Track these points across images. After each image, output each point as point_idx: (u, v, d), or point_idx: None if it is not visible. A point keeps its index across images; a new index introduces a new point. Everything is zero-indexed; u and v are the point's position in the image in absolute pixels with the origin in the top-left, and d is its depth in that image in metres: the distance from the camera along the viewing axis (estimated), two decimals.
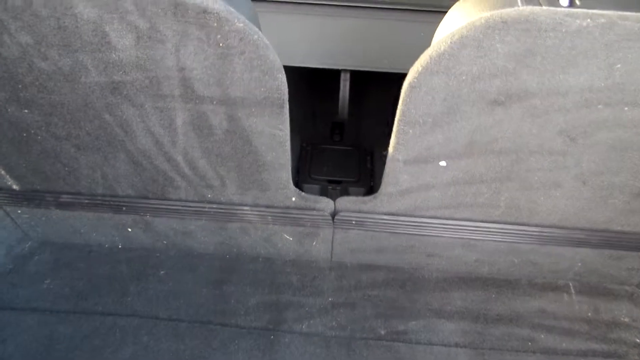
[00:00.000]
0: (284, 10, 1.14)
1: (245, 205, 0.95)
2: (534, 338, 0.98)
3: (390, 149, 0.80)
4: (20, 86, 0.72)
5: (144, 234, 1.05)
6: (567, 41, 0.60)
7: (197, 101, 0.72)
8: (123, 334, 0.94)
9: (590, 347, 0.97)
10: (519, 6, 0.60)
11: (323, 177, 1.46)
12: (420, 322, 0.99)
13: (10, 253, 1.10)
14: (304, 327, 0.97)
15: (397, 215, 0.94)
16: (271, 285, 1.04)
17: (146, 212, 0.98)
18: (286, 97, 0.72)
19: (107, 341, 0.93)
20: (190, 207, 0.96)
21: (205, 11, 0.59)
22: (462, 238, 0.97)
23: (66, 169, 0.90)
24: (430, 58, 0.64)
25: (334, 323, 0.98)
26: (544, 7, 0.58)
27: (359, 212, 0.95)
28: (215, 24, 0.61)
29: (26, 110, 0.77)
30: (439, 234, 0.97)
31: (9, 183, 0.96)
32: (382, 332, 0.97)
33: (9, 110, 0.77)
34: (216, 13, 0.60)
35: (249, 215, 0.96)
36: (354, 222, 0.96)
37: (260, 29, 0.75)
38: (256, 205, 0.95)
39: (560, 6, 0.59)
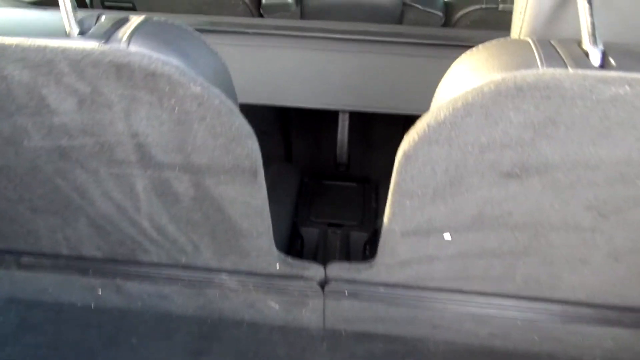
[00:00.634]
0: (276, 43, 1.05)
1: (224, 271, 0.84)
2: None
3: (385, 219, 0.69)
4: None
5: (117, 296, 0.95)
6: (598, 110, 0.48)
7: (157, 168, 0.62)
8: None
9: None
10: (538, 66, 0.48)
11: (323, 219, 1.35)
12: None
13: None
14: None
15: (397, 286, 0.82)
16: (255, 356, 0.93)
17: (115, 275, 0.87)
18: (259, 164, 0.61)
19: None
20: (163, 272, 0.85)
21: (153, 74, 0.49)
22: (472, 312, 0.84)
23: (24, 229, 0.80)
24: (429, 127, 0.53)
25: None
26: (570, 71, 0.46)
27: (353, 281, 0.84)
28: (167, 88, 0.51)
29: None
30: (446, 307, 0.84)
31: None
32: None
33: None
34: (167, 76, 0.50)
35: (227, 282, 0.85)
36: (346, 294, 0.84)
37: (231, 84, 0.65)
38: (236, 272, 0.84)
39: (590, 66, 0.47)
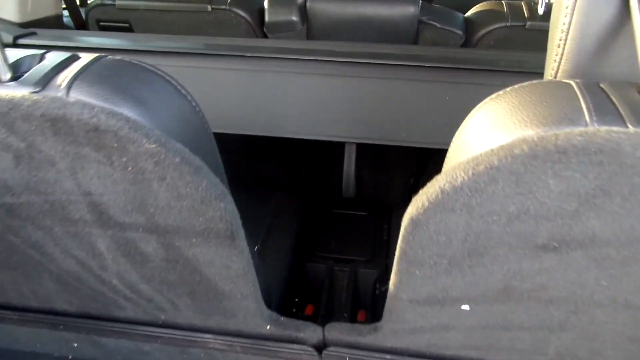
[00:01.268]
0: (277, 67, 0.95)
1: (208, 332, 0.74)
2: None
3: (391, 285, 0.58)
4: None
5: (94, 349, 0.86)
6: None
7: (118, 228, 0.53)
8: None
9: None
10: (585, 121, 0.37)
11: (330, 254, 1.25)
12: None
13: None
14: None
15: (406, 354, 0.70)
16: None
17: (90, 331, 0.78)
18: (236, 226, 0.51)
19: None
20: (141, 329, 0.76)
21: (96, 129, 0.40)
22: None
23: None
24: (443, 192, 0.42)
25: None
26: (631, 130, 0.35)
27: (355, 346, 0.72)
28: (115, 145, 0.41)
29: None
30: None
31: None
32: None
33: None
34: (113, 131, 0.40)
35: (212, 343, 0.75)
36: None
37: (204, 132, 0.55)
38: (222, 332, 0.74)
39: None
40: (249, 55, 0.95)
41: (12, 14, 1.08)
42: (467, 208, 0.42)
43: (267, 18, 1.17)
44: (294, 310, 1.15)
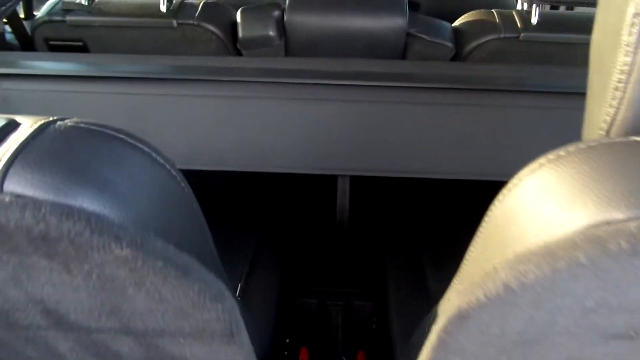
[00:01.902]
0: (256, 92, 0.85)
1: None
2: None
3: None
4: None
5: None
6: None
7: (83, 332, 0.41)
8: None
9: None
10: None
11: (321, 287, 1.15)
12: None
13: None
14: None
15: None
16: None
17: None
18: (237, 323, 0.41)
19: None
20: None
21: (45, 237, 0.29)
22: None
23: None
24: (506, 289, 0.33)
25: None
26: None
27: None
28: (73, 253, 0.30)
29: None
30: None
31: None
32: None
33: None
34: (69, 239, 0.29)
35: None
36: None
37: (194, 212, 0.44)
38: None
39: None
40: (225, 79, 0.84)
41: None
42: (534, 304, 0.34)
43: (240, 33, 1.06)
44: (286, 353, 1.05)
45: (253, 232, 1.11)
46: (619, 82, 0.39)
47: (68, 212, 0.29)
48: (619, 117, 0.40)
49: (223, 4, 1.11)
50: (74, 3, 1.03)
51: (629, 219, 0.29)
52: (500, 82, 0.84)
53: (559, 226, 0.32)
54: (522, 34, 1.02)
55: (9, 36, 1.16)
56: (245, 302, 1.02)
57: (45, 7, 1.09)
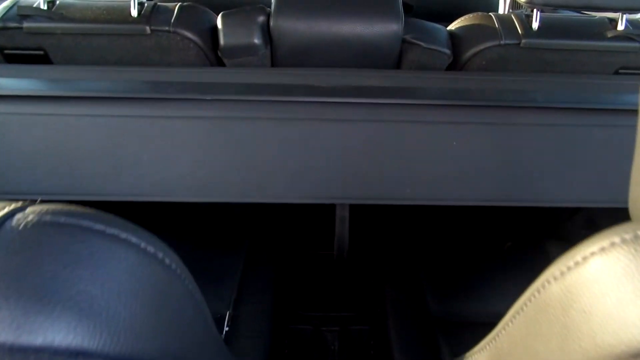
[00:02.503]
0: (243, 111, 0.77)
1: None
2: None
3: None
4: None
5: None
6: None
7: None
8: None
9: None
10: None
11: (314, 312, 1.09)
12: None
13: None
14: None
15: None
16: None
17: None
18: None
19: None
20: None
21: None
22: None
23: None
24: None
25: None
26: None
27: None
28: None
29: None
30: None
31: None
32: None
33: None
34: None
35: None
36: None
37: (199, 314, 0.36)
38: None
39: None
40: (208, 98, 0.76)
41: None
42: None
43: (222, 40, 0.96)
44: None
45: (240, 255, 1.03)
46: None
47: (35, 357, 0.21)
48: None
49: (201, 7, 1.01)
50: (31, 7, 0.92)
51: None
52: (508, 97, 0.79)
53: None
54: (523, 40, 0.96)
55: None
56: (234, 332, 0.94)
57: None
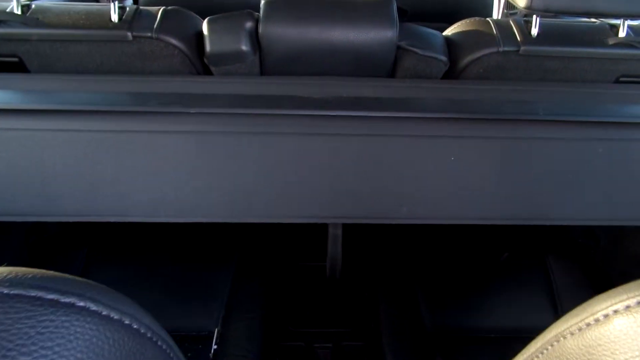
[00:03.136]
0: (231, 125, 0.73)
1: None
2: None
3: None
4: None
5: None
6: None
7: None
8: None
9: None
10: None
11: (306, 328, 1.06)
12: None
13: None
14: None
15: None
16: None
17: None
18: None
19: None
20: None
21: None
22: None
23: None
24: None
25: None
26: None
27: None
28: None
29: None
30: None
31: None
32: None
33: None
34: None
35: None
36: None
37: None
38: None
39: None
40: (193, 111, 0.71)
41: None
42: None
43: (208, 47, 0.92)
44: None
45: (229, 270, 0.99)
46: None
47: None
48: None
49: (186, 12, 0.96)
50: (4, 12, 0.87)
51: None
52: (508, 109, 0.75)
53: None
54: (522, 47, 0.93)
55: None
56: (223, 350, 0.91)
57: None
